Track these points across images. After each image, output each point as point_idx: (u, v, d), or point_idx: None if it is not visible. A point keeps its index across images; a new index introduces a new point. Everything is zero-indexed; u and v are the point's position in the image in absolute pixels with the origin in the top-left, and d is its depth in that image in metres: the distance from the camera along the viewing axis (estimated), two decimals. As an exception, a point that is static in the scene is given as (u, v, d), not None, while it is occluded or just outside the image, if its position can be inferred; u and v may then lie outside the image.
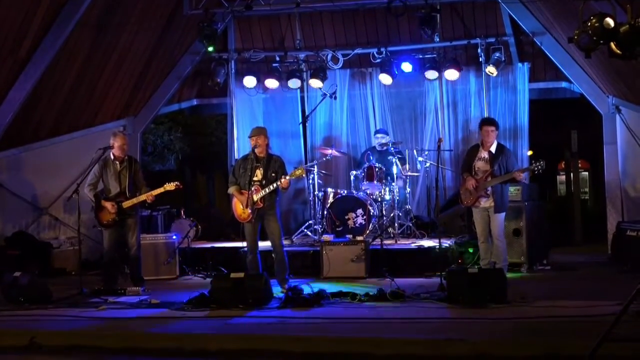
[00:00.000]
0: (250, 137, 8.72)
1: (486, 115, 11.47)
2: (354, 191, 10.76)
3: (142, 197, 8.87)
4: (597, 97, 10.92)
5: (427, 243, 10.06)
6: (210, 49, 11.40)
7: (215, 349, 6.33)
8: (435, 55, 11.74)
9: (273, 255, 8.82)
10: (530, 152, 12.00)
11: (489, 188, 8.71)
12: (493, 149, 8.86)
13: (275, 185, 8.41)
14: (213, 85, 12.30)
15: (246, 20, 12.58)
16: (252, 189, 8.42)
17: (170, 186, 8.91)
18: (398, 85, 12.08)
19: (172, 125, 19.09)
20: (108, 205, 8.82)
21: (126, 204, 8.82)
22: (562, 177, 21.81)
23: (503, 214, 8.83)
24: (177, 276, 10.14)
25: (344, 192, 10.69)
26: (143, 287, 8.87)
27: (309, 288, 8.09)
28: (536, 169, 8.67)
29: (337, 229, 10.36)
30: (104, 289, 8.64)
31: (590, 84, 10.92)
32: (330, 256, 9.49)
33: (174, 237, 10.36)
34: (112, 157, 8.95)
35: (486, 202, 8.77)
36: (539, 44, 11.06)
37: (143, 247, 9.41)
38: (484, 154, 8.87)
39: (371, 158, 10.87)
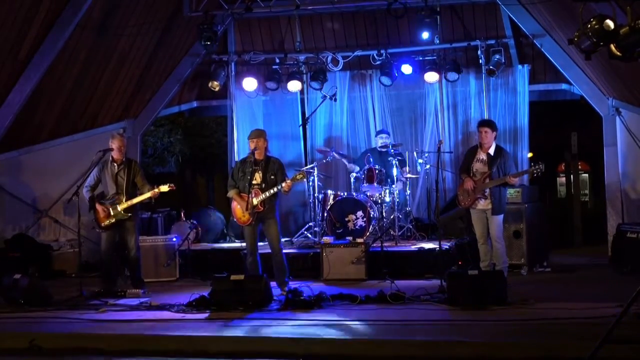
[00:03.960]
0: (249, 139, 8.71)
1: (486, 117, 11.47)
2: (354, 193, 10.75)
3: (137, 199, 8.85)
4: (597, 99, 10.91)
5: (427, 245, 10.05)
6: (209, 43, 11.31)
7: (216, 351, 6.34)
8: (435, 57, 11.75)
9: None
10: (530, 154, 12.00)
11: (487, 190, 8.70)
12: (492, 151, 8.84)
13: (276, 189, 8.40)
14: (213, 88, 12.31)
15: (246, 22, 12.57)
16: (252, 192, 8.42)
17: (163, 188, 8.85)
18: (398, 87, 12.08)
19: (172, 127, 19.13)
20: (100, 209, 8.81)
21: (122, 205, 8.80)
22: (562, 179, 21.83)
23: (501, 216, 8.81)
24: (177, 278, 10.12)
25: (344, 194, 10.68)
26: (143, 289, 8.86)
27: (309, 290, 8.08)
28: (535, 171, 8.65)
29: (337, 231, 10.35)
30: (104, 291, 8.64)
31: (590, 86, 10.91)
32: (330, 258, 9.48)
33: (174, 239, 10.36)
34: (111, 159, 8.95)
35: (484, 204, 8.76)
36: (539, 46, 11.06)
37: (143, 250, 9.40)
38: (482, 156, 8.86)
39: (371, 160, 10.86)
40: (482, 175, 8.76)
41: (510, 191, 9.52)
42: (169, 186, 8.85)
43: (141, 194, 8.88)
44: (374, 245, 9.72)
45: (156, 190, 8.79)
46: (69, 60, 10.79)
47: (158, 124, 17.84)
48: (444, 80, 11.80)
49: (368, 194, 10.67)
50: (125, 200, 8.80)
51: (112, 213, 8.79)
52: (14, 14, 9.59)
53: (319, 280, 9.35)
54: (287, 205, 12.18)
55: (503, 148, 9.24)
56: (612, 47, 6.15)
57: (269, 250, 8.76)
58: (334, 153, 11.26)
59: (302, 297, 7.72)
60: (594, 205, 19.49)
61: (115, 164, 8.93)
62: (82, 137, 11.87)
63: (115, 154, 8.91)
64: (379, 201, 10.66)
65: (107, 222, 8.84)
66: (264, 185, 8.47)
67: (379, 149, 11.31)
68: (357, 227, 10.34)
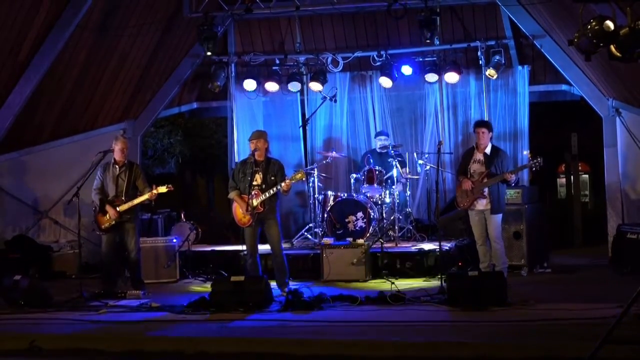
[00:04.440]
0: (250, 140, 8.73)
1: (486, 118, 11.47)
2: (354, 194, 10.75)
3: (135, 201, 8.85)
4: (597, 100, 10.90)
5: (427, 246, 10.05)
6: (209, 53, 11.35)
7: (216, 353, 6.34)
8: (435, 58, 11.73)
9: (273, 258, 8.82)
10: (528, 154, 11.97)
11: (486, 189, 8.71)
12: (488, 150, 8.87)
13: (275, 189, 8.41)
14: (213, 89, 12.31)
15: (246, 23, 12.56)
16: (252, 193, 8.42)
17: (161, 189, 8.86)
18: (398, 88, 12.06)
19: (172, 128, 19.12)
20: (111, 210, 8.80)
21: (121, 207, 8.80)
22: (562, 180, 21.83)
23: (500, 216, 8.82)
24: (178, 279, 10.13)
25: (344, 195, 10.69)
26: (143, 290, 8.86)
27: (309, 291, 8.08)
28: (534, 165, 8.68)
29: (338, 232, 10.35)
30: (104, 292, 8.64)
31: (591, 87, 10.90)
32: (330, 259, 9.48)
33: (174, 240, 10.35)
34: (113, 161, 8.96)
35: (484, 204, 8.76)
36: (539, 46, 11.04)
37: (143, 251, 9.40)
38: (479, 157, 8.89)
39: (371, 161, 10.86)
40: (480, 176, 8.77)
41: (510, 192, 9.52)
42: (167, 187, 8.86)
43: (141, 195, 8.89)
44: (374, 246, 9.73)
45: (154, 191, 8.79)
46: (69, 61, 10.79)
47: (158, 125, 17.83)
48: (444, 81, 11.79)
49: (368, 195, 10.67)
50: (125, 202, 8.80)
51: (116, 216, 8.80)
52: (14, 15, 9.59)
53: (320, 281, 9.35)
54: (288, 206, 12.17)
55: (499, 147, 9.27)
56: (612, 48, 6.16)
57: (269, 251, 8.77)
58: (333, 152, 11.27)
59: (302, 298, 7.72)
60: (594, 205, 19.49)
61: (117, 166, 8.94)
62: (82, 138, 11.86)
63: (117, 156, 8.92)
64: (379, 202, 10.66)
65: (106, 225, 8.85)
66: (264, 186, 8.48)
67: (378, 150, 11.32)
68: (357, 228, 10.34)
